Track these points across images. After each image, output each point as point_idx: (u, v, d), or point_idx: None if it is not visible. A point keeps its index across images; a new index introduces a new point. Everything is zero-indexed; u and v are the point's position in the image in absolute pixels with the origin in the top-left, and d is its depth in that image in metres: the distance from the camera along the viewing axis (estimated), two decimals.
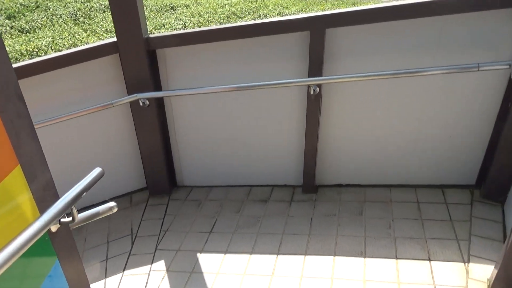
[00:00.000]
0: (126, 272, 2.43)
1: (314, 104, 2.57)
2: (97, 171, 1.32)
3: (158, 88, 2.79)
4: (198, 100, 2.83)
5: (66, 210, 1.14)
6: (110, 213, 1.35)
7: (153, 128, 2.85)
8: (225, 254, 2.44)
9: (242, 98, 2.76)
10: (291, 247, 2.42)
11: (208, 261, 2.40)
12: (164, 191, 3.09)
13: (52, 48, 8.94)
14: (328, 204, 2.74)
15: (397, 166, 2.77)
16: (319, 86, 2.49)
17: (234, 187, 3.08)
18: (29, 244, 0.98)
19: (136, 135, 2.94)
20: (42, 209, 1.17)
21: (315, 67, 2.45)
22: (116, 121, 2.89)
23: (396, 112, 2.59)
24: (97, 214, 1.32)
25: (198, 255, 2.46)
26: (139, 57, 2.61)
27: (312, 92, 2.48)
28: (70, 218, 1.21)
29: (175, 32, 2.84)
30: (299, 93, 2.65)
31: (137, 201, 3.07)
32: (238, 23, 2.60)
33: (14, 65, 2.44)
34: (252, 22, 2.55)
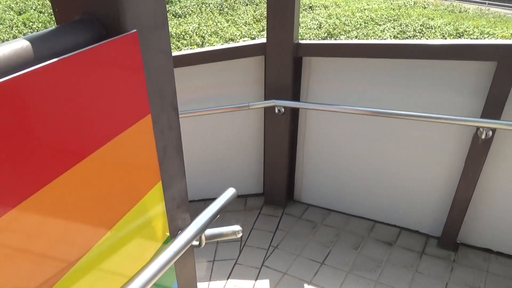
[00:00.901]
0: (229, 281, 2.35)
1: (480, 150, 2.11)
2: (231, 192, 1.24)
3: (296, 97, 2.64)
4: (335, 117, 2.59)
5: (197, 236, 1.06)
6: (234, 237, 1.29)
7: (283, 137, 2.72)
8: None
9: (383, 124, 2.43)
10: None
11: None
12: (280, 203, 2.95)
13: (197, 33, 9.65)
14: (471, 271, 2.27)
15: None
16: (493, 130, 2.03)
17: (355, 217, 2.78)
18: (160, 274, 0.90)
19: (264, 140, 2.85)
20: (172, 229, 1.09)
21: (493, 107, 1.99)
22: (247, 122, 2.84)
23: None
24: (221, 235, 1.28)
25: (306, 286, 2.26)
26: (285, 63, 2.48)
27: (483, 136, 2.03)
28: (198, 242, 1.12)
29: (330, 41, 2.64)
30: (460, 133, 2.22)
31: (251, 206, 3.00)
32: (405, 41, 2.27)
33: None
34: (420, 41, 2.19)
